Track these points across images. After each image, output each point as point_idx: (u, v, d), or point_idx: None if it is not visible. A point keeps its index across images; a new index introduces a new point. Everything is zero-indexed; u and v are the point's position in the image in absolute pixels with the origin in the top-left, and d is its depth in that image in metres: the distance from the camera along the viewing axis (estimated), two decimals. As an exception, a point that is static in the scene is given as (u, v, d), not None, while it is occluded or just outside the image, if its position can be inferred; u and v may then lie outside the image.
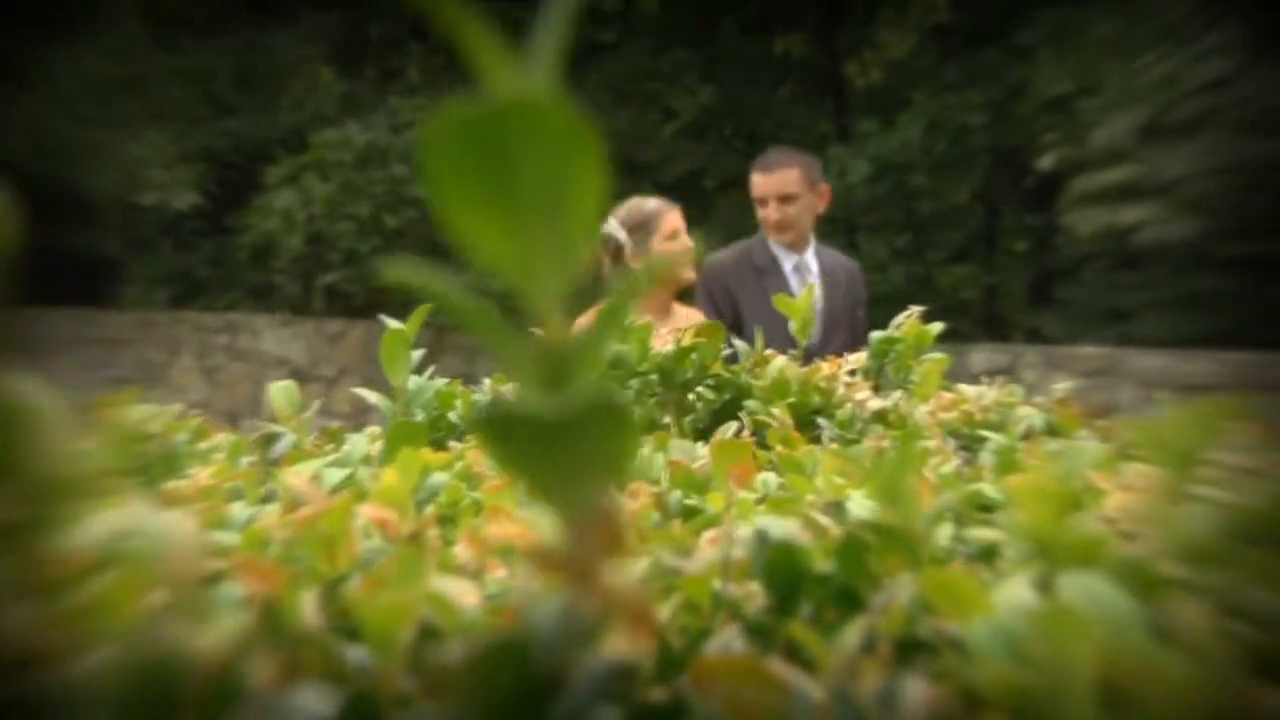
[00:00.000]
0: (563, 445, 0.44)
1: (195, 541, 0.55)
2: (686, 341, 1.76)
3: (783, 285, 4.80)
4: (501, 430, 0.44)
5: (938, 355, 2.04)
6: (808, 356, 4.52)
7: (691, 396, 1.78)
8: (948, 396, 1.82)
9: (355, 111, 15.59)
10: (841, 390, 1.79)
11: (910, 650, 0.66)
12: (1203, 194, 12.11)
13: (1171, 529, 0.76)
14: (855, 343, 4.87)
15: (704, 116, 15.77)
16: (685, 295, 4.68)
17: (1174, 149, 12.51)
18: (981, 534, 0.86)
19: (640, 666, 0.45)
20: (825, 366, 1.85)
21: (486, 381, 1.82)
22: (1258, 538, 0.78)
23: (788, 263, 4.92)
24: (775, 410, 1.66)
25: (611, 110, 15.46)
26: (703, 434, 1.65)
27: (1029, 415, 1.80)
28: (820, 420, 1.73)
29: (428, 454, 1.20)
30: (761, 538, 0.74)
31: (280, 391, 1.46)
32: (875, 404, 1.74)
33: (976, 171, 15.96)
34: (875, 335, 2.09)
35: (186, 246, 16.82)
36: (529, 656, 0.43)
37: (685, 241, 4.34)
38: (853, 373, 1.96)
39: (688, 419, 1.73)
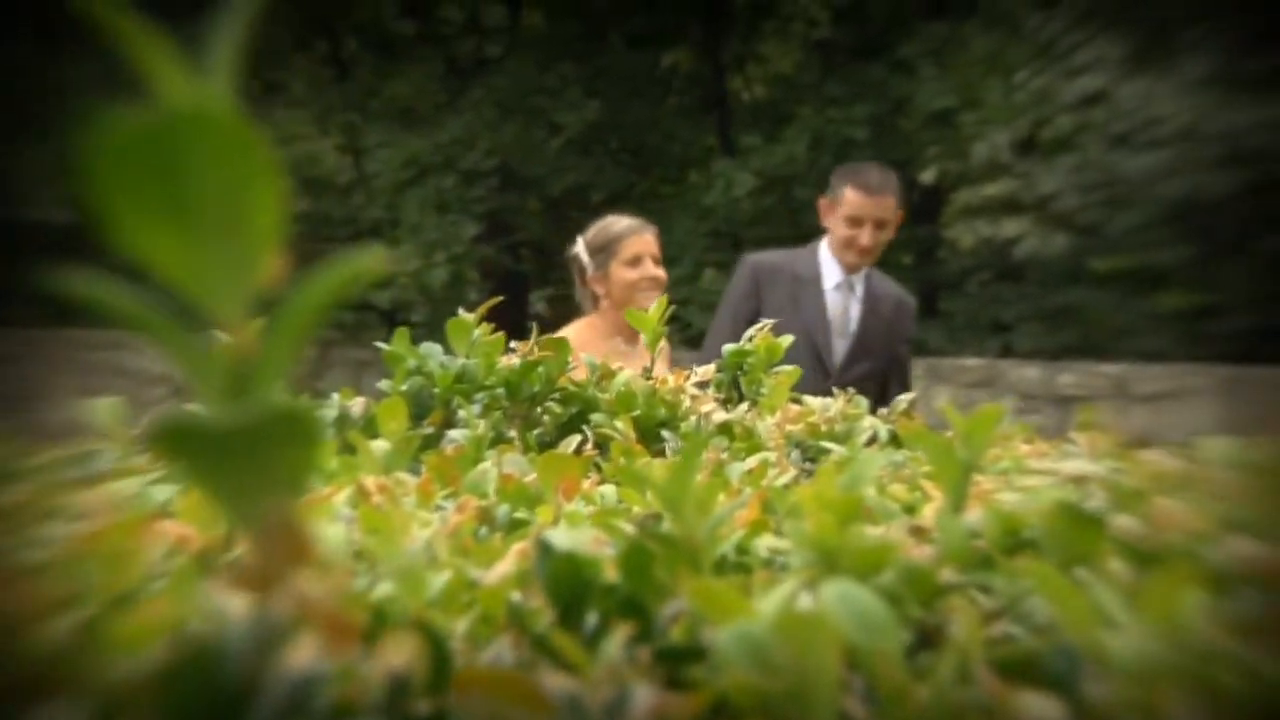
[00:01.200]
0: (243, 455, 0.44)
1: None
2: (533, 356, 1.77)
3: (817, 299, 4.61)
4: (179, 440, 0.44)
5: (790, 368, 2.06)
6: (827, 375, 4.42)
7: (539, 410, 1.78)
8: (794, 409, 1.84)
9: (237, 125, 15.37)
10: (687, 403, 1.80)
11: (688, 659, 0.67)
12: (1076, 208, 12.36)
13: (951, 535, 0.78)
14: (891, 376, 4.69)
15: (590, 131, 15.78)
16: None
17: (1049, 163, 12.76)
18: (780, 544, 0.87)
19: (328, 674, 0.46)
20: (671, 379, 1.86)
21: (335, 396, 1.81)
22: (1037, 543, 0.80)
23: (830, 279, 4.69)
24: (618, 423, 1.67)
25: (497, 124, 15.44)
26: (549, 447, 1.65)
27: (873, 427, 1.82)
28: (665, 433, 1.74)
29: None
30: (545, 549, 0.74)
31: (104, 407, 1.43)
32: (720, 416, 1.75)
33: (861, 185, 16.07)
34: (727, 348, 2.10)
35: (67, 262, 16.52)
36: (216, 668, 0.44)
37: (648, 268, 4.14)
38: (702, 385, 1.98)
39: (534, 432, 1.74)
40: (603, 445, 1.62)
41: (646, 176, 17.06)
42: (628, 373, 1.84)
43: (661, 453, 1.69)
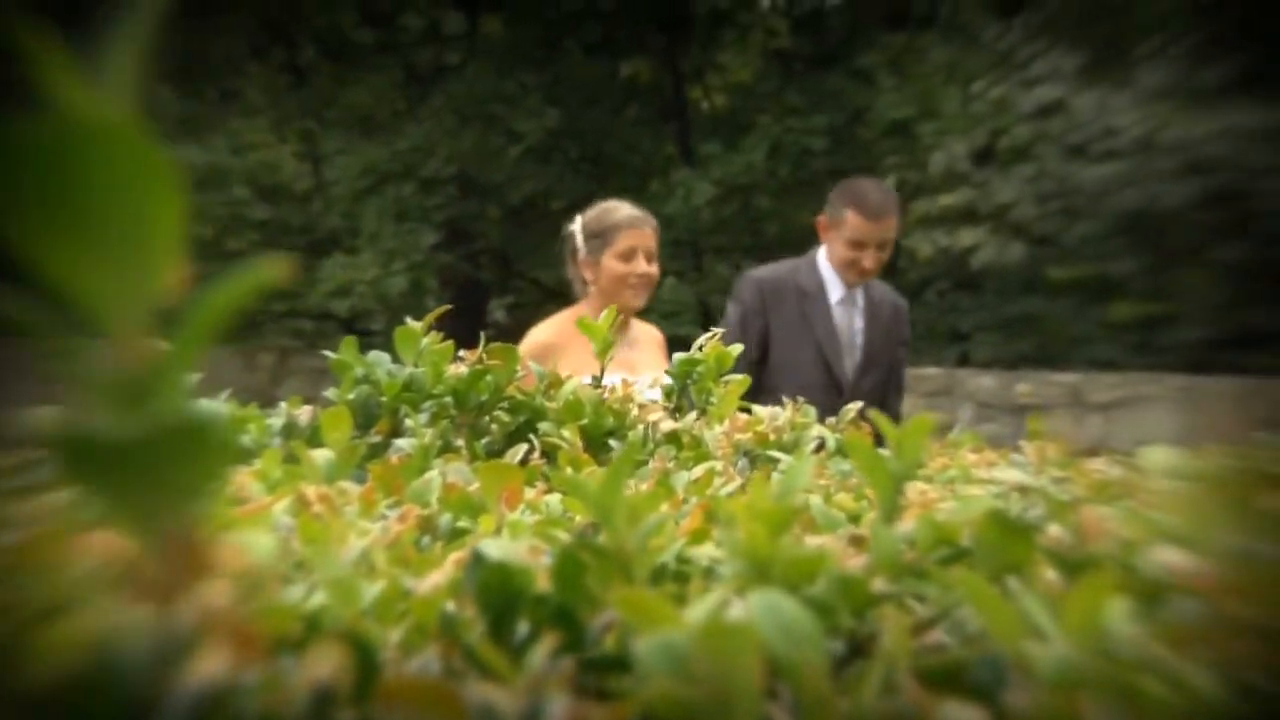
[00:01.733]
0: (143, 466, 0.44)
1: None
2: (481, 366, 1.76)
3: (825, 313, 4.53)
4: (75, 450, 0.43)
5: (740, 377, 2.06)
6: (840, 391, 4.36)
7: (487, 419, 1.78)
8: (742, 418, 1.84)
9: (194, 133, 15.36)
10: (635, 412, 1.80)
11: (615, 669, 0.67)
12: (1033, 218, 12.43)
13: (883, 545, 0.78)
14: (892, 383, 4.65)
15: (549, 139, 15.78)
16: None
17: (1006, 173, 12.84)
18: (713, 553, 0.87)
19: (233, 686, 0.46)
20: (619, 388, 1.86)
21: (283, 405, 1.80)
22: (967, 554, 0.81)
23: (835, 292, 4.56)
24: (566, 432, 1.66)
25: (456, 132, 15.42)
26: (497, 456, 1.65)
27: (821, 436, 1.83)
28: (613, 442, 1.74)
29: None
30: (477, 559, 0.74)
31: (48, 415, 1.42)
32: (668, 425, 1.75)
33: (820, 194, 16.14)
34: (678, 357, 2.09)
35: (13, 274, 16.40)
36: (113, 682, 0.43)
37: (639, 265, 4.00)
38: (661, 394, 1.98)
39: (482, 441, 1.73)
40: (550, 454, 1.62)
41: (606, 185, 17.06)
42: (576, 381, 1.84)
43: (608, 462, 1.69)
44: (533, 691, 0.58)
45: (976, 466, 1.64)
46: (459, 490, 1.22)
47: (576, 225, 4.16)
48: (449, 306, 2.10)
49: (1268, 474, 0.96)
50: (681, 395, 2.07)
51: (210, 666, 0.44)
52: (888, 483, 0.85)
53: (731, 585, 0.73)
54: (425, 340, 1.80)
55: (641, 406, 1.82)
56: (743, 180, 14.88)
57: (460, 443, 1.70)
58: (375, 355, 1.79)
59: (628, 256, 4.01)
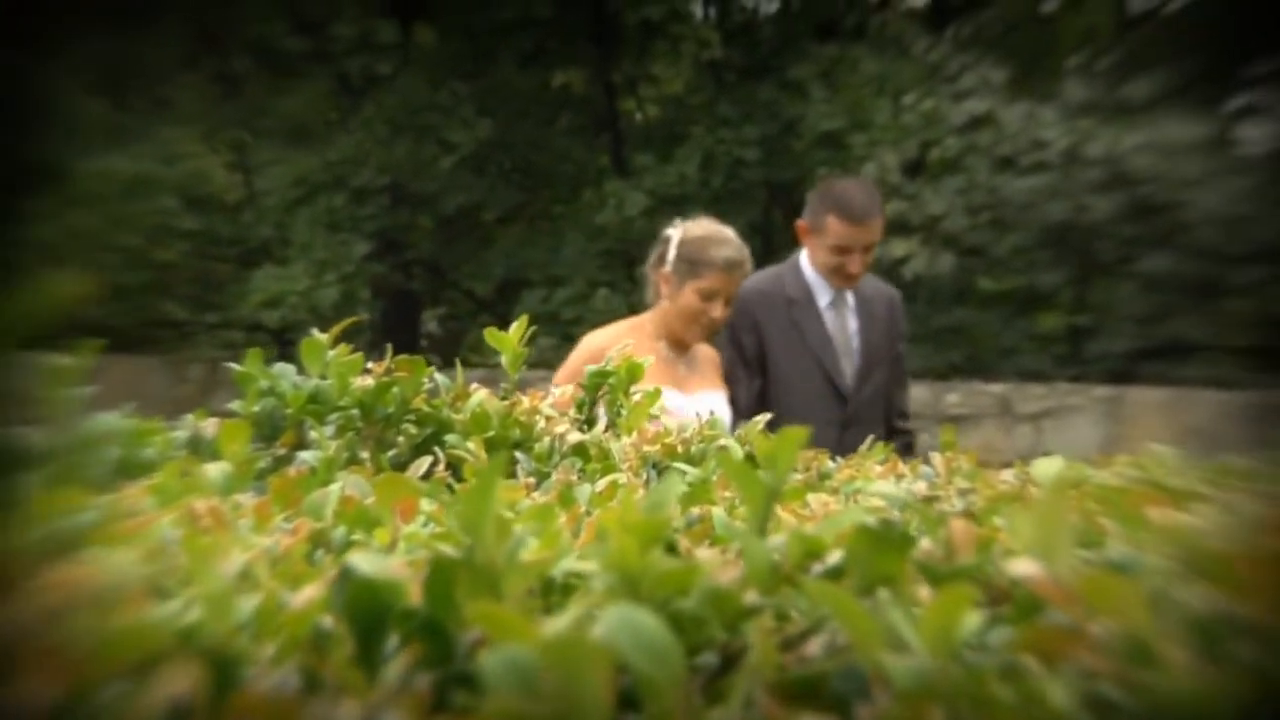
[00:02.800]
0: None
1: None
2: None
3: (816, 320, 4.35)
4: None
5: (652, 389, 2.06)
6: (842, 400, 4.25)
7: (395, 431, 1.76)
8: (651, 430, 1.84)
9: (123, 142, 15.22)
10: (542, 424, 1.79)
11: (473, 685, 0.67)
12: (963, 229, 12.54)
13: (754, 558, 0.79)
14: (895, 382, 4.49)
15: (482, 149, 15.74)
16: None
17: (937, 184, 12.94)
18: (587, 566, 0.87)
19: (47, 705, 0.45)
20: (526, 400, 1.85)
21: (189, 417, 1.78)
22: (845, 568, 0.81)
23: (823, 296, 4.37)
24: (471, 445, 1.65)
25: (388, 142, 15.37)
26: (403, 469, 1.64)
27: (730, 448, 1.83)
28: (518, 454, 1.73)
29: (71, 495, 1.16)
30: (345, 574, 0.74)
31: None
32: (574, 437, 1.75)
33: (753, 205, 16.22)
34: (588, 369, 2.08)
35: None
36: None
37: (714, 309, 3.94)
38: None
39: (389, 454, 1.72)
40: (456, 467, 1.60)
41: (538, 195, 17.08)
42: (484, 393, 1.83)
43: (514, 474, 1.68)
44: (377, 707, 0.58)
45: (883, 478, 1.65)
46: (355, 503, 1.21)
47: (676, 236, 4.07)
48: (358, 318, 2.08)
49: (1153, 483, 0.97)
50: (592, 408, 2.07)
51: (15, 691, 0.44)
52: (759, 495, 0.85)
53: (598, 599, 0.73)
54: (332, 352, 1.78)
55: (549, 418, 1.81)
56: (675, 191, 14.89)
57: (366, 455, 1.69)
58: (281, 367, 1.77)
59: (708, 296, 3.96)
